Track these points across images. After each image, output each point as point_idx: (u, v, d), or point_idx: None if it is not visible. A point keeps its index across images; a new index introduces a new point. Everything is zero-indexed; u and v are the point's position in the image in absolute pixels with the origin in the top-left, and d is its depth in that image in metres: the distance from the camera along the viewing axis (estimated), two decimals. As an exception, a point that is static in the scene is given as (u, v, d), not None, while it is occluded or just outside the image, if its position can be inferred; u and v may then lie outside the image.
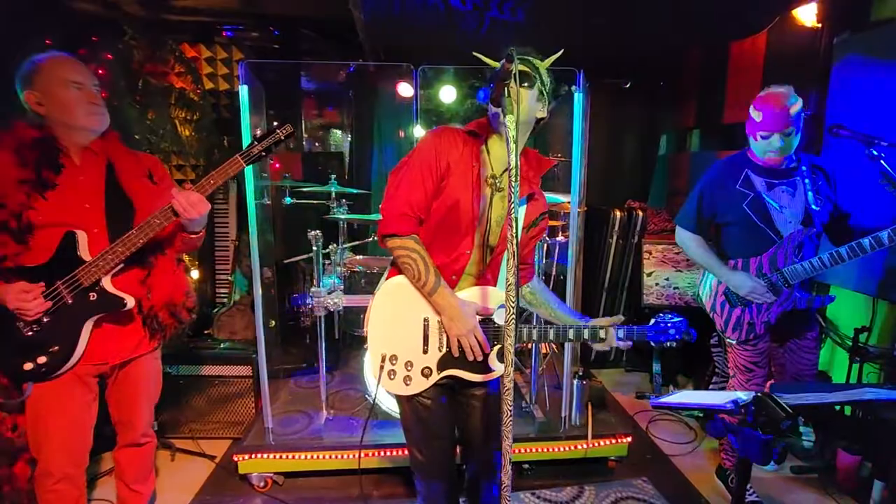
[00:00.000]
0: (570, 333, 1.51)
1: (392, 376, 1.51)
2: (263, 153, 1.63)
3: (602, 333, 1.48)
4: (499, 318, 1.52)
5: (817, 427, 2.69)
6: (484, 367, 1.52)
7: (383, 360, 1.51)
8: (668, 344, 1.48)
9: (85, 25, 3.16)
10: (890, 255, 2.41)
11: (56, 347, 1.56)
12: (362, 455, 2.42)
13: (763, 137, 2.01)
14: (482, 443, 1.65)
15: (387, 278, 1.56)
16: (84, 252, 1.56)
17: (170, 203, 1.56)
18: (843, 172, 2.61)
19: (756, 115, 2.01)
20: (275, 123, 1.62)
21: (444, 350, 1.52)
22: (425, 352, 1.51)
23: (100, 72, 3.03)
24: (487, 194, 1.47)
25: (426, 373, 1.51)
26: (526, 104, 1.39)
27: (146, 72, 3.36)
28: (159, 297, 1.74)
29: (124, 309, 1.61)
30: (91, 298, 1.57)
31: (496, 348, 1.52)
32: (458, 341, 1.46)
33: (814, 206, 2.03)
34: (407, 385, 1.51)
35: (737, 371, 2.25)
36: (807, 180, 2.06)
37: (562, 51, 1.35)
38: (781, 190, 2.06)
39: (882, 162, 1.84)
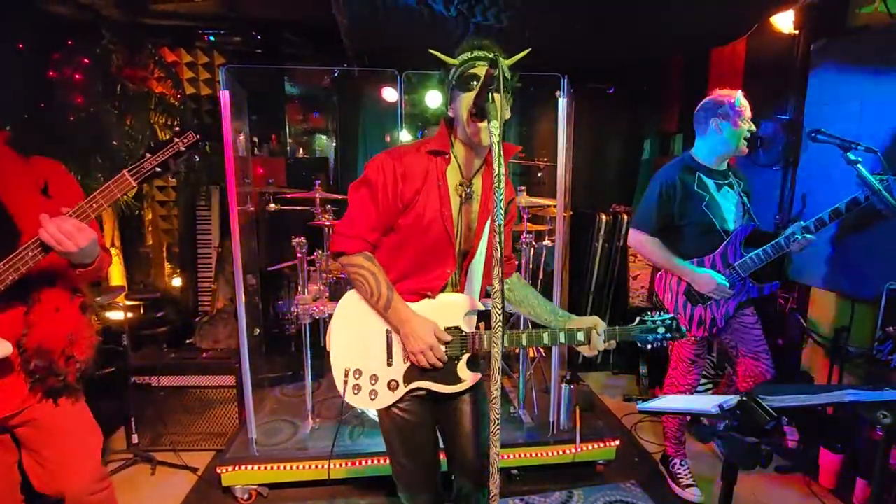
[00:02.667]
0: (545, 338, 1.45)
1: (357, 391, 1.46)
2: (159, 168, 1.34)
3: (581, 336, 1.43)
4: (467, 326, 1.46)
5: (801, 427, 2.73)
6: (453, 378, 1.47)
7: (346, 375, 1.46)
8: (658, 343, 1.46)
9: (60, 29, 3.09)
10: (862, 255, 2.46)
11: None
12: (348, 465, 2.39)
13: (744, 122, 2.14)
14: (473, 455, 1.57)
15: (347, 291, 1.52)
16: None
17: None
18: (822, 176, 2.67)
19: (741, 102, 2.14)
20: (175, 129, 1.39)
21: (408, 362, 1.46)
22: (390, 364, 1.46)
23: (76, 76, 2.97)
24: (457, 203, 1.44)
25: (392, 386, 1.46)
26: (466, 103, 1.35)
27: (125, 76, 3.30)
28: (34, 340, 1.38)
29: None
30: None
31: (465, 358, 1.46)
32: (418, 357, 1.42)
33: (747, 204, 2.25)
34: (373, 399, 1.46)
35: (680, 363, 2.41)
36: (736, 181, 2.26)
37: (528, 49, 1.32)
38: (726, 190, 2.24)
39: (859, 166, 1.88)
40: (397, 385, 1.46)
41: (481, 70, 1.32)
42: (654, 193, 2.25)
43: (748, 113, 2.15)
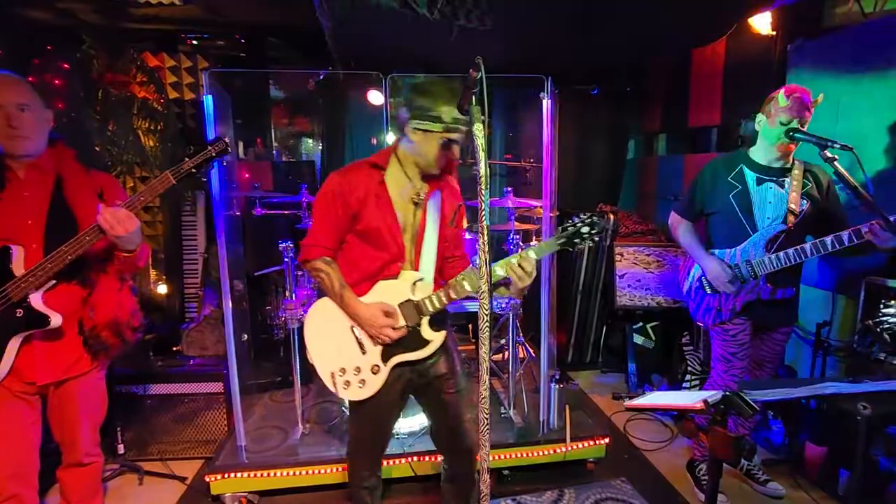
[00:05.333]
0: (466, 285, 1.56)
1: (347, 386, 1.64)
2: (194, 169, 1.62)
3: (500, 270, 1.51)
4: (418, 295, 1.62)
5: (786, 421, 2.78)
6: (421, 342, 1.63)
7: (333, 377, 1.65)
8: (592, 240, 1.50)
9: (39, 34, 3.05)
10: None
11: None
12: (341, 470, 2.38)
13: (782, 123, 2.05)
14: (463, 437, 1.76)
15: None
16: (18, 267, 1.54)
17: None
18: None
19: (782, 100, 2.06)
20: (210, 139, 1.63)
21: (378, 345, 1.63)
22: (364, 353, 1.64)
23: (56, 82, 2.92)
24: (411, 210, 1.64)
25: (375, 370, 1.63)
26: (433, 150, 1.55)
27: (106, 81, 3.26)
28: (103, 316, 1.73)
29: (49, 327, 1.58)
30: (17, 315, 1.55)
31: (424, 322, 1.62)
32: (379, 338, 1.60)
33: (793, 207, 2.10)
34: (362, 387, 1.63)
35: (716, 362, 2.33)
36: (794, 182, 2.13)
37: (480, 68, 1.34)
38: (769, 186, 2.15)
39: (836, 164, 1.92)
40: (379, 367, 1.63)
41: (459, 138, 1.55)
42: (694, 180, 2.32)
43: (793, 110, 2.03)
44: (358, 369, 1.63)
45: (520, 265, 1.50)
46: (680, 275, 2.48)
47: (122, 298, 1.80)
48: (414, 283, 1.63)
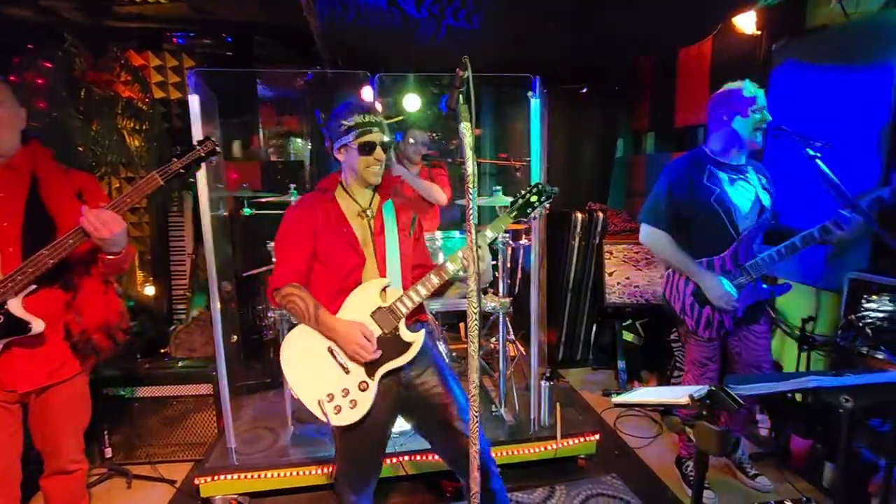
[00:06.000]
0: (433, 277, 1.59)
1: (338, 411, 1.56)
2: (183, 170, 1.58)
3: (450, 262, 1.57)
4: (388, 300, 1.62)
5: (772, 414, 2.82)
6: (403, 346, 1.61)
7: (321, 405, 1.56)
8: (542, 208, 1.57)
9: (20, 32, 2.99)
10: (826, 247, 2.55)
11: None
12: (331, 470, 2.37)
13: (753, 112, 2.05)
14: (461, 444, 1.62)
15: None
16: None
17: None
18: (785, 171, 2.77)
19: (752, 90, 2.07)
20: (198, 139, 1.60)
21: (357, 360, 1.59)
22: (348, 372, 1.59)
23: (37, 81, 2.87)
24: (365, 225, 1.67)
25: (363, 387, 1.58)
26: (356, 160, 1.62)
27: (89, 80, 3.21)
28: (92, 320, 1.69)
29: (31, 333, 1.53)
30: None
31: (401, 325, 1.61)
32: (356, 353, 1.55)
33: (765, 202, 2.15)
34: (354, 408, 1.56)
35: (692, 366, 2.31)
36: (755, 177, 2.17)
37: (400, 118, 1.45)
38: (740, 185, 2.14)
39: (818, 160, 1.95)
40: (367, 384, 1.58)
41: (375, 138, 1.60)
42: (662, 187, 2.17)
43: (760, 102, 2.05)
44: (346, 391, 1.57)
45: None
46: (667, 291, 2.30)
47: (108, 301, 1.76)
48: (383, 290, 1.62)
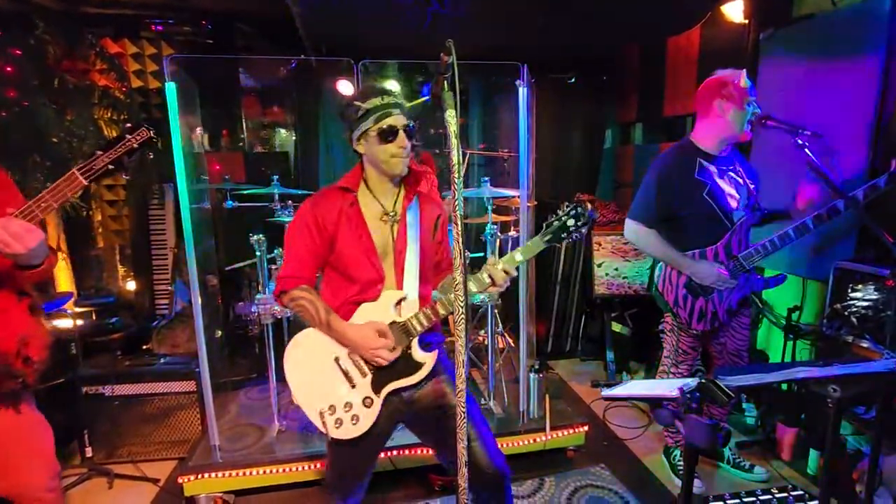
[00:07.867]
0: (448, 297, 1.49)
1: (339, 424, 1.49)
2: (111, 166, 1.33)
3: (485, 277, 1.45)
4: (403, 315, 1.52)
5: (758, 403, 2.84)
6: (413, 366, 1.52)
7: (323, 417, 1.50)
8: (578, 234, 1.46)
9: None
10: (811, 236, 2.56)
11: None
12: (319, 466, 2.34)
13: (748, 105, 2.02)
14: (485, 461, 1.55)
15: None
16: None
17: None
18: (773, 160, 2.77)
19: (745, 83, 2.03)
20: (127, 126, 1.35)
21: (368, 374, 1.52)
22: (354, 386, 1.52)
23: (7, 69, 2.76)
24: (387, 229, 1.55)
25: (368, 403, 1.51)
26: (378, 148, 1.48)
27: (63, 69, 3.09)
28: (6, 342, 1.39)
29: None
30: None
31: (414, 343, 1.52)
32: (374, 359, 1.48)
33: (752, 193, 2.14)
34: (356, 424, 1.50)
35: (674, 353, 2.31)
36: (741, 168, 2.16)
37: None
38: (729, 177, 2.12)
39: (806, 150, 1.95)
40: (371, 400, 1.51)
41: (397, 121, 1.46)
42: (652, 183, 2.10)
43: (752, 93, 2.04)
44: (349, 405, 1.50)
45: (504, 270, 1.45)
46: (661, 283, 2.24)
47: (11, 320, 1.41)
48: (398, 303, 1.52)
